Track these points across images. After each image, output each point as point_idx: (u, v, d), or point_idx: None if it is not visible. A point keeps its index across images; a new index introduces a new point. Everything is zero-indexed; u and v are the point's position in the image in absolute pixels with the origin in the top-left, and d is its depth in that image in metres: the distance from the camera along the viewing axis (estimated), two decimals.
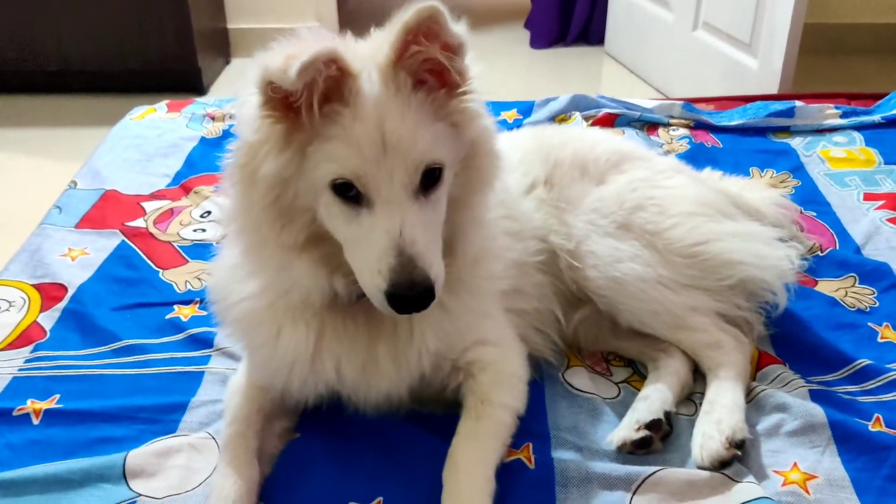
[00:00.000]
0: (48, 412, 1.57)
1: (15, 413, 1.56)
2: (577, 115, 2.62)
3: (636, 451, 1.48)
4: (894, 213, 2.17)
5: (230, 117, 2.63)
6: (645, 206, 1.71)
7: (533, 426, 1.51)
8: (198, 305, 1.86)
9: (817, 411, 1.50)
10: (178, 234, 2.16)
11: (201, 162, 2.47)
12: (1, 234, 2.69)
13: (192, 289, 1.94)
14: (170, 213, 2.24)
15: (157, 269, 2.02)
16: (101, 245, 2.08)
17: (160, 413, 1.57)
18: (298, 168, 1.25)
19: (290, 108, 1.21)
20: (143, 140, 2.59)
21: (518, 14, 5.16)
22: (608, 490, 1.39)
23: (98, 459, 1.43)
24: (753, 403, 1.57)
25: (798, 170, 2.41)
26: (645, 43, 4.28)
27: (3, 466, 1.42)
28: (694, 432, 1.49)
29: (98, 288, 1.92)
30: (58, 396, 1.60)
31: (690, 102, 2.76)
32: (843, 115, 2.67)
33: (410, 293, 1.22)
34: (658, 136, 2.59)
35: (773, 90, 3.29)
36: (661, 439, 1.50)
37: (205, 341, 1.77)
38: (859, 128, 2.61)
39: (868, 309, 1.83)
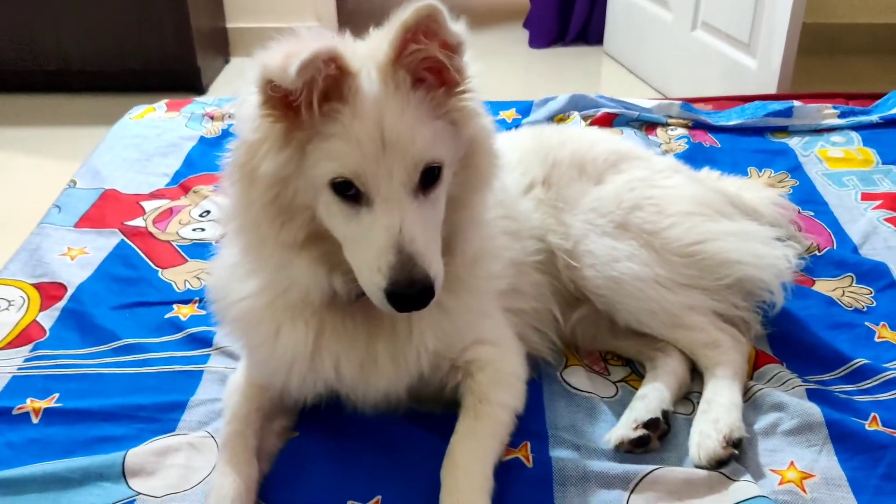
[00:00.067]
0: (47, 411, 1.57)
1: (14, 412, 1.56)
2: (575, 115, 2.63)
3: (634, 449, 1.48)
4: (892, 213, 2.17)
5: (229, 116, 2.64)
6: (643, 205, 1.71)
7: (531, 425, 1.51)
8: (197, 304, 1.87)
9: (814, 410, 1.51)
10: (177, 233, 2.16)
11: (200, 161, 2.48)
12: (0, 234, 2.69)
13: (191, 288, 1.94)
14: (169, 213, 2.24)
15: (157, 268, 2.02)
16: (100, 244, 2.09)
17: (159, 412, 1.57)
18: (298, 166, 1.25)
19: (290, 106, 1.22)
20: (143, 139, 2.59)
21: (517, 14, 5.16)
22: (606, 489, 1.39)
23: (97, 458, 1.44)
24: (751, 402, 1.57)
25: (796, 169, 2.41)
26: (644, 43, 4.28)
27: (3, 465, 1.43)
28: (691, 431, 1.50)
29: (97, 287, 1.92)
30: (57, 395, 1.60)
31: (689, 102, 2.77)
32: (841, 115, 2.68)
33: (410, 291, 1.22)
34: (656, 135, 2.59)
35: (772, 90, 3.30)
36: (658, 438, 1.50)
37: (204, 340, 1.77)
38: (857, 128, 2.62)
39: (865, 308, 1.84)
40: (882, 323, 1.79)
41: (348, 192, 1.24)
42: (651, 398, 1.55)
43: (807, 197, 2.27)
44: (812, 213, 2.19)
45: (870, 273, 1.93)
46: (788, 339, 1.73)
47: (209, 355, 1.73)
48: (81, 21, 3.98)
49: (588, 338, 1.76)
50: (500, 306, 1.60)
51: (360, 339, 1.43)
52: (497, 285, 1.58)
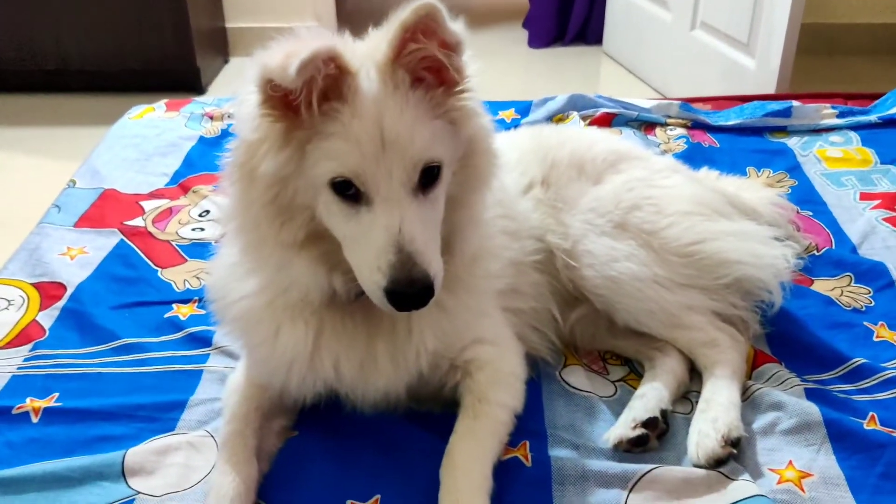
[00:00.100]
0: (47, 410, 1.57)
1: (14, 411, 1.56)
2: (574, 115, 2.63)
3: (633, 449, 1.48)
4: (890, 213, 2.17)
5: (229, 116, 2.64)
6: (641, 205, 1.72)
7: (530, 424, 1.52)
8: (196, 304, 1.87)
9: (813, 410, 1.51)
10: (176, 233, 2.16)
11: (200, 161, 2.48)
12: (0, 233, 2.70)
13: (190, 287, 1.94)
14: (168, 212, 2.25)
15: (156, 267, 2.02)
16: (99, 244, 2.09)
17: (159, 411, 1.57)
18: (297, 166, 1.25)
19: (289, 106, 1.22)
20: (142, 139, 2.59)
21: (516, 13, 5.16)
22: (605, 488, 1.39)
23: (97, 457, 1.44)
24: (749, 402, 1.57)
25: (794, 169, 2.42)
26: (643, 43, 4.29)
27: (3, 465, 1.43)
28: (690, 430, 1.50)
29: (97, 287, 1.92)
30: (57, 395, 1.61)
31: (688, 102, 2.77)
32: (840, 115, 2.68)
33: (410, 290, 1.22)
34: (655, 135, 2.60)
35: (771, 90, 3.30)
36: (657, 437, 1.51)
37: (203, 340, 1.77)
38: (856, 127, 2.62)
39: (864, 308, 1.84)
40: (880, 322, 1.79)
41: (348, 191, 1.25)
42: (650, 397, 1.56)
43: (805, 197, 2.27)
44: (811, 213, 2.19)
45: (868, 273, 1.93)
46: (787, 339, 1.74)
47: (208, 355, 1.74)
48: (81, 21, 3.98)
49: (587, 337, 1.76)
50: (499, 306, 1.60)
51: (360, 338, 1.43)
52: (496, 285, 1.58)
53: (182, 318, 1.84)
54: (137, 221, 2.20)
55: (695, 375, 1.66)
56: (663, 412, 1.53)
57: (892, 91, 2.76)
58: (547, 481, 1.40)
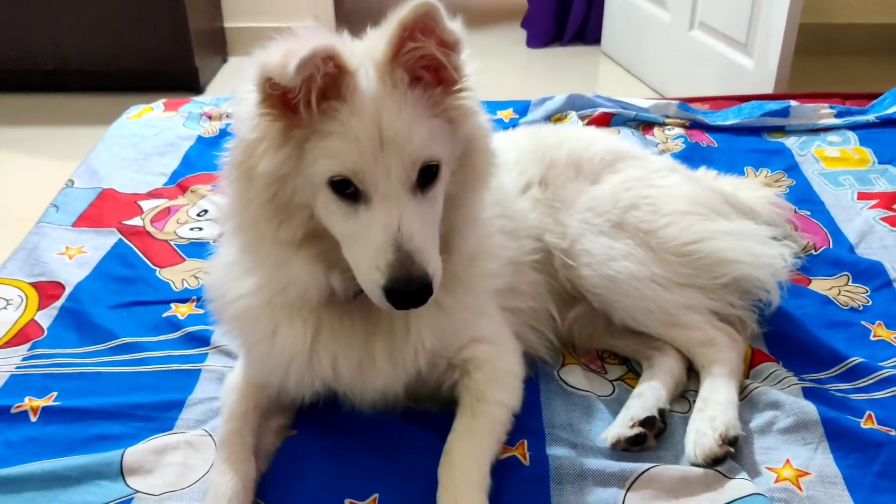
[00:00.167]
0: (46, 410, 1.57)
1: (13, 410, 1.57)
2: (573, 115, 2.63)
3: (630, 447, 1.48)
4: (888, 213, 2.18)
5: (227, 116, 2.65)
6: (639, 204, 1.72)
7: (528, 423, 1.52)
8: (195, 303, 1.87)
9: (810, 409, 1.51)
10: (174, 232, 2.16)
11: (198, 161, 2.48)
12: None
13: (188, 287, 1.95)
14: (167, 212, 2.25)
15: (154, 267, 2.02)
16: (98, 243, 2.09)
17: (157, 410, 1.57)
18: (296, 165, 1.25)
19: (288, 105, 1.22)
20: (141, 139, 2.59)
21: (515, 13, 5.17)
22: (602, 486, 1.39)
23: (95, 456, 1.44)
24: (747, 401, 1.58)
25: (792, 169, 2.42)
26: (641, 42, 4.29)
27: (2, 464, 1.43)
28: (688, 429, 1.50)
29: (95, 286, 1.92)
30: (55, 394, 1.61)
31: (686, 102, 2.77)
32: (838, 115, 2.69)
33: (408, 288, 1.22)
34: (653, 135, 2.60)
35: (769, 90, 3.30)
36: (655, 436, 1.51)
37: (201, 339, 1.77)
38: (854, 127, 2.62)
39: (861, 307, 1.84)
40: (878, 322, 1.80)
41: (346, 190, 1.25)
42: (647, 396, 1.56)
43: (803, 196, 2.27)
44: (808, 213, 2.20)
45: (866, 272, 1.94)
46: (784, 338, 1.74)
47: (207, 354, 1.74)
48: (79, 21, 3.98)
49: (585, 336, 1.76)
50: (497, 305, 1.61)
51: (358, 337, 1.43)
52: (494, 284, 1.58)
53: (180, 317, 1.84)
54: (136, 221, 2.20)
55: (692, 374, 1.66)
56: (661, 411, 1.53)
57: (889, 91, 2.76)
58: (545, 480, 1.40)
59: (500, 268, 1.58)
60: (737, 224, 1.80)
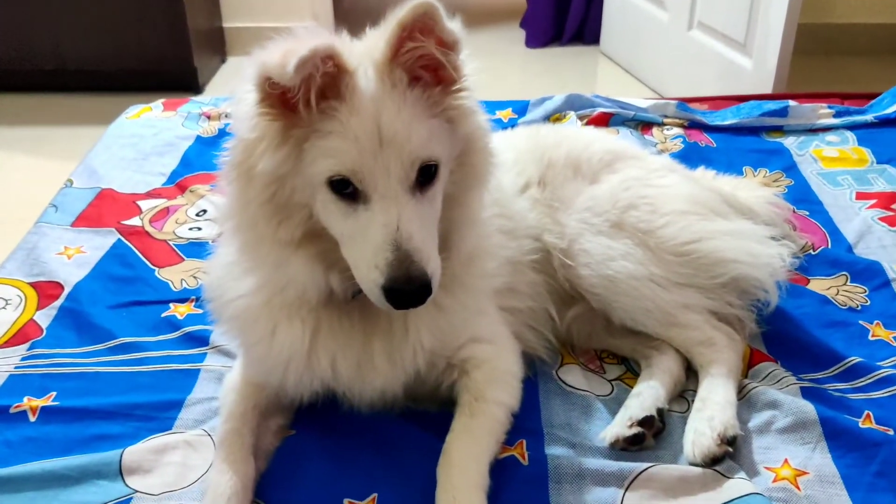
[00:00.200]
0: (45, 409, 1.57)
1: (12, 410, 1.57)
2: (571, 115, 2.63)
3: (629, 447, 1.49)
4: (886, 213, 2.18)
5: (226, 116, 2.65)
6: (638, 204, 1.72)
7: (527, 423, 1.52)
8: (193, 303, 1.87)
9: (808, 408, 1.51)
10: (173, 232, 2.16)
11: (197, 160, 2.48)
12: None
13: (187, 287, 1.95)
14: (166, 212, 2.25)
15: (153, 267, 2.02)
16: (97, 243, 2.09)
17: (156, 410, 1.58)
18: (295, 164, 1.25)
19: (287, 104, 1.22)
20: (140, 139, 2.59)
21: (514, 13, 5.17)
22: (601, 486, 1.40)
23: (95, 456, 1.44)
24: (745, 400, 1.58)
25: (791, 169, 2.42)
26: (640, 42, 4.29)
27: (1, 463, 1.43)
28: (686, 429, 1.51)
29: (94, 286, 1.93)
30: (54, 394, 1.61)
31: (685, 102, 2.78)
32: (837, 115, 2.69)
33: (407, 288, 1.22)
34: (652, 135, 2.60)
35: (768, 90, 3.31)
36: (653, 436, 1.51)
37: (200, 339, 1.77)
38: (852, 127, 2.63)
39: (859, 307, 1.85)
40: (876, 321, 1.80)
41: (345, 189, 1.25)
42: (646, 396, 1.56)
43: (802, 196, 2.27)
44: (807, 213, 2.20)
45: (864, 272, 1.94)
46: (783, 338, 1.74)
47: (206, 354, 1.74)
48: (78, 21, 3.98)
49: (583, 336, 1.76)
50: (495, 305, 1.61)
51: (357, 337, 1.43)
52: (493, 284, 1.58)
53: (179, 317, 1.84)
54: (135, 221, 2.20)
55: (691, 374, 1.66)
56: (659, 411, 1.53)
57: (888, 91, 2.76)
58: (543, 480, 1.40)
59: (498, 267, 1.59)
60: (735, 224, 1.80)
